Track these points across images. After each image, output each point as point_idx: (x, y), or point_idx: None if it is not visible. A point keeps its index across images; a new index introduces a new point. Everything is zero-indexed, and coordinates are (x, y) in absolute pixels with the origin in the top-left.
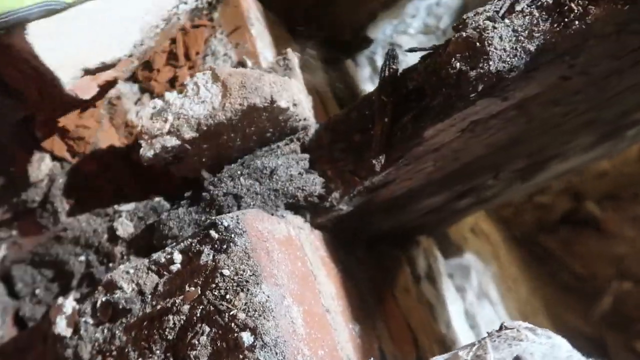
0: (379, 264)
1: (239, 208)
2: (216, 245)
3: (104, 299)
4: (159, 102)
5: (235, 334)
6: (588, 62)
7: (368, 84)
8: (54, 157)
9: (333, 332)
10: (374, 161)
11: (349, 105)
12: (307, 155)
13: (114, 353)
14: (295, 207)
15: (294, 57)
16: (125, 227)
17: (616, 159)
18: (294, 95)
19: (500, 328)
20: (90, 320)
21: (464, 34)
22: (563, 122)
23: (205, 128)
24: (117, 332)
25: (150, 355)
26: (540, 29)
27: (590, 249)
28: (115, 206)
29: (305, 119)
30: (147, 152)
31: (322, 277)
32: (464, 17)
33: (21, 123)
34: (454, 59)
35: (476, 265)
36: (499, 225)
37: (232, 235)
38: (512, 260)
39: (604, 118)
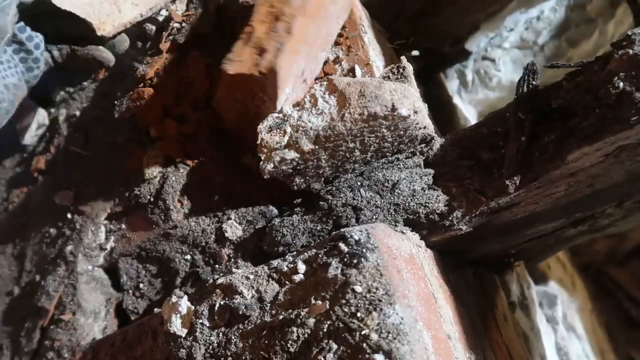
0: (482, 288)
1: (357, 220)
2: (345, 259)
3: (222, 303)
4: (276, 115)
5: (367, 356)
6: None
7: (457, 98)
8: (168, 157)
9: None
10: (507, 182)
11: (478, 121)
12: (431, 171)
13: (229, 359)
14: (414, 223)
15: (409, 66)
16: (234, 230)
17: None
18: (414, 102)
19: None
20: (207, 323)
21: (630, 51)
22: None
23: (324, 139)
24: (233, 337)
25: None
26: None
27: None
28: (225, 208)
29: (425, 127)
30: (266, 165)
31: (441, 299)
32: (629, 33)
33: (134, 121)
34: (616, 77)
35: (561, 296)
36: (567, 253)
37: (364, 250)
38: (584, 290)
39: None
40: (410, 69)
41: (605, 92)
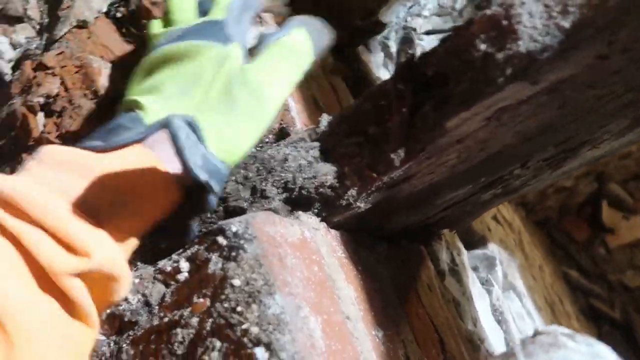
0: (401, 261)
1: (252, 204)
2: (224, 253)
3: (109, 311)
4: None
5: (249, 350)
6: (630, 38)
7: (382, 70)
8: None
9: (355, 342)
10: (392, 155)
11: (361, 95)
12: (317, 144)
13: None
14: (307, 201)
15: None
16: None
17: None
18: None
19: (535, 334)
20: None
21: (488, 12)
22: (598, 106)
23: None
24: (124, 345)
25: None
26: (575, 2)
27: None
28: None
29: None
30: None
31: (341, 281)
32: None
33: None
34: (478, 39)
35: (501, 256)
36: (520, 211)
37: (242, 242)
38: (536, 246)
39: None
40: None
41: (470, 56)
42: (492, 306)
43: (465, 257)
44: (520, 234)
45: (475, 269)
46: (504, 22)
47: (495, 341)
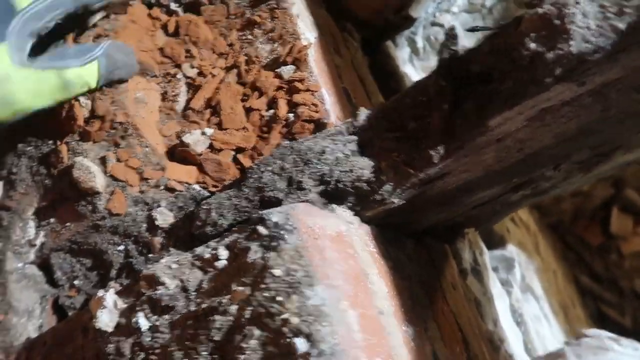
0: (427, 258)
1: (286, 195)
2: (265, 243)
3: (146, 295)
4: None
5: (288, 340)
6: None
7: (408, 66)
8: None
9: (387, 337)
10: (431, 152)
11: (402, 90)
12: (354, 137)
13: (157, 351)
14: (342, 194)
15: None
16: (164, 217)
17: None
18: None
19: (578, 337)
20: None
21: (540, 10)
22: None
23: None
24: (161, 329)
25: (196, 356)
26: (632, 3)
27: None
28: (154, 195)
29: None
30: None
31: (374, 275)
32: None
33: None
34: (527, 38)
35: (519, 258)
36: (534, 213)
37: (282, 232)
38: (549, 249)
39: None
40: None
41: (518, 54)
42: (511, 307)
43: (487, 257)
44: (536, 237)
45: (495, 269)
46: (556, 22)
47: (514, 342)
